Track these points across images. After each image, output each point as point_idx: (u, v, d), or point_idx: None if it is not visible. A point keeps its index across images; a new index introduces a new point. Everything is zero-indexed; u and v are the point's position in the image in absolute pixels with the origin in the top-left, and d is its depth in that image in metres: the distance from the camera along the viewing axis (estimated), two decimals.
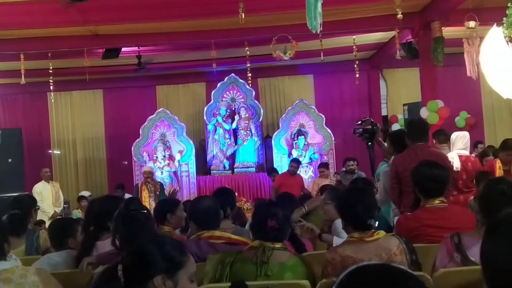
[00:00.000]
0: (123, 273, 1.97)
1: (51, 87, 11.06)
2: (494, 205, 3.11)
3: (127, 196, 11.27)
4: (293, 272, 2.96)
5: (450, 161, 5.46)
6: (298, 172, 11.32)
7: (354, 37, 11.14)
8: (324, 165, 11.63)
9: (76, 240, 4.05)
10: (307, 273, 3.02)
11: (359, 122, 6.72)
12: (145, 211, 3.43)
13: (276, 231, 3.05)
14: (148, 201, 10.57)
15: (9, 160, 12.04)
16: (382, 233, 3.11)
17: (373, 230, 3.09)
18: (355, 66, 11.57)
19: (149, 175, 11.27)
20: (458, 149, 6.74)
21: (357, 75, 11.67)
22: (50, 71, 10.66)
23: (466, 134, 7.00)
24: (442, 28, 9.84)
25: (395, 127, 13.45)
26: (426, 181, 3.87)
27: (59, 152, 14.81)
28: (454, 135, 6.95)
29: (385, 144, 6.45)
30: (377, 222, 3.21)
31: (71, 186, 14.59)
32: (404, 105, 12.64)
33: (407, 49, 11.08)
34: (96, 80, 13.12)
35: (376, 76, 14.88)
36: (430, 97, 10.67)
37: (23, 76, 10.17)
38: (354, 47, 11.09)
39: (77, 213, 11.44)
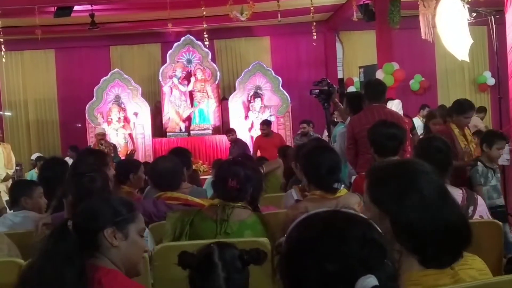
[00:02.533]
0: (73, 229, 1.98)
1: (2, 47, 10.71)
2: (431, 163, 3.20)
3: None
4: (252, 230, 2.98)
5: (406, 122, 5.52)
6: (272, 131, 11.46)
7: None
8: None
9: (32, 200, 3.98)
10: (266, 231, 3.04)
11: (316, 83, 6.74)
12: (92, 174, 3.35)
13: (237, 191, 3.04)
14: None
15: None
16: (344, 191, 3.15)
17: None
18: (312, 28, 11.52)
19: (102, 136, 11.13)
20: None
21: (314, 37, 11.62)
22: (0, 29, 10.30)
23: (399, 102, 7.79)
24: None
25: (351, 89, 13.57)
26: (382, 139, 3.92)
27: (10, 114, 14.42)
28: (389, 103, 7.24)
29: (341, 105, 6.51)
30: (342, 186, 3.24)
31: (23, 148, 14.27)
32: (360, 67, 12.73)
33: (364, 11, 11.10)
34: (48, 40, 12.69)
35: (332, 39, 14.90)
36: (386, 59, 10.78)
37: None
38: (312, 8, 11.01)
39: (33, 173, 11.21)
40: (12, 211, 4.05)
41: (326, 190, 3.13)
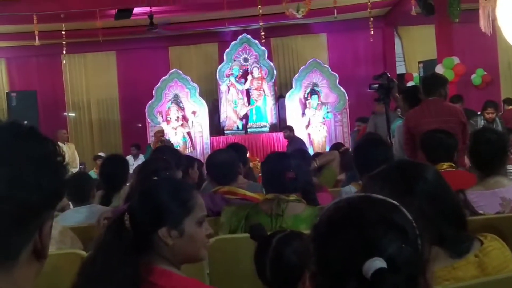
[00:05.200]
0: (130, 222, 1.90)
1: (64, 49, 11.07)
2: (481, 155, 3.13)
3: (141, 157, 11.41)
4: (307, 224, 2.95)
5: (464, 116, 5.40)
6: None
7: None
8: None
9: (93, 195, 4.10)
10: None
11: (376, 77, 6.67)
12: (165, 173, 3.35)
13: (295, 181, 3.04)
14: None
15: (25, 122, 12.03)
16: None
17: None
18: (370, 23, 11.39)
19: (162, 134, 11.29)
20: None
21: (372, 33, 11.48)
22: (63, 32, 10.65)
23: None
24: None
25: (411, 85, 13.33)
26: (432, 146, 3.86)
27: (74, 114, 14.89)
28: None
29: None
30: None
31: (86, 147, 14.68)
32: (419, 62, 12.50)
33: (423, 5, 10.88)
34: (109, 42, 13.09)
35: (391, 34, 14.68)
36: (446, 54, 10.56)
37: (37, 38, 10.19)
38: (369, 3, 10.90)
39: (93, 173, 11.54)
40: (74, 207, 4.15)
41: None
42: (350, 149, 7.39)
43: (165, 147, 6.39)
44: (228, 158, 3.86)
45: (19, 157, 1.05)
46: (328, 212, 1.20)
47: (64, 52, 11.22)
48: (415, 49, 14.57)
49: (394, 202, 1.18)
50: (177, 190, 2.04)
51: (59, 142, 11.00)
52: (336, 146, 7.09)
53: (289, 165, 3.07)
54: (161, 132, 11.33)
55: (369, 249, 1.08)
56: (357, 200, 1.21)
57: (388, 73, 6.64)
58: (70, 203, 4.51)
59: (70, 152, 11.34)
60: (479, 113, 8.64)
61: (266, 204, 3.08)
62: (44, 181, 1.06)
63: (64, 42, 10.83)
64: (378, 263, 1.04)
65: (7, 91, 13.56)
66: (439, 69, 10.37)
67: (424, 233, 1.15)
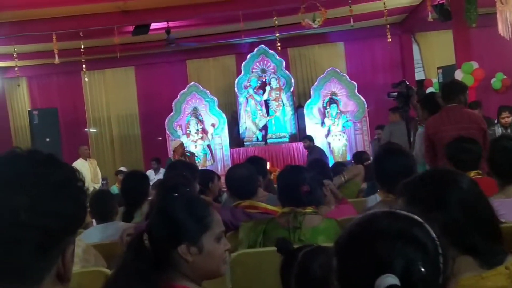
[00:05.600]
0: (150, 241, 1.92)
1: (84, 66, 11.20)
2: (499, 163, 3.10)
3: (162, 171, 11.44)
4: (326, 236, 2.96)
5: (484, 122, 5.36)
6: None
7: (384, 1, 10.94)
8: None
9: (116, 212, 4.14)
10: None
11: (394, 85, 6.67)
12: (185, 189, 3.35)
13: (310, 194, 3.05)
14: None
15: (47, 139, 12.30)
16: None
17: None
18: (387, 31, 11.35)
19: (183, 147, 11.25)
20: None
21: (389, 40, 11.42)
22: (82, 50, 10.79)
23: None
24: None
25: (430, 91, 13.24)
26: (458, 154, 3.83)
27: (95, 130, 15.04)
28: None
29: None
30: None
31: (108, 163, 14.80)
32: (438, 68, 12.41)
33: (439, 10, 10.83)
34: (128, 57, 13.23)
35: (408, 40, 14.63)
36: (465, 59, 10.48)
37: (56, 56, 10.32)
38: (385, 11, 10.87)
39: (115, 188, 11.63)
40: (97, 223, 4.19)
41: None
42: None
43: (179, 162, 6.41)
44: (247, 173, 3.87)
45: (38, 184, 1.07)
46: (351, 226, 1.20)
47: (84, 69, 11.35)
48: (433, 54, 14.50)
49: (418, 218, 1.16)
50: (192, 207, 2.05)
51: (81, 159, 11.22)
52: (358, 155, 7.06)
53: (303, 178, 3.07)
54: (182, 146, 11.25)
55: (383, 265, 1.06)
56: (379, 215, 1.20)
57: (406, 81, 6.65)
58: (93, 220, 4.56)
59: (92, 168, 11.47)
60: (496, 121, 8.54)
61: (283, 217, 3.08)
62: (64, 208, 1.08)
63: (83, 60, 10.95)
64: (390, 279, 1.03)
65: (29, 109, 13.77)
66: (458, 74, 10.29)
67: (448, 251, 1.13)
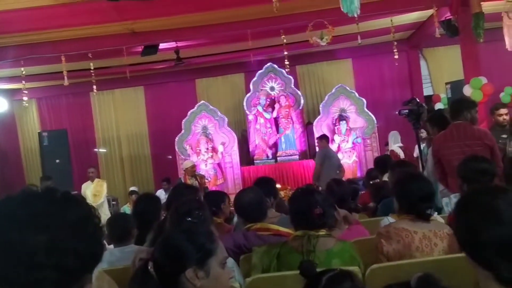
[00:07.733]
0: (155, 269, 1.97)
1: (94, 87, 11.26)
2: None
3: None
4: (340, 258, 2.96)
5: (491, 138, 5.33)
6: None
7: (391, 18, 10.98)
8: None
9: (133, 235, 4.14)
10: (354, 258, 3.03)
11: (405, 103, 6.70)
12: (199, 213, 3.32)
13: (323, 217, 3.05)
14: None
15: (57, 161, 12.35)
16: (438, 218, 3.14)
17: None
18: (394, 47, 11.38)
19: (195, 168, 11.21)
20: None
21: (396, 56, 11.44)
22: (92, 71, 10.85)
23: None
24: (481, 2, 9.61)
25: (438, 106, 13.22)
26: (473, 175, 3.81)
27: (105, 150, 15.08)
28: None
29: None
30: (435, 213, 3.24)
31: (118, 183, 14.84)
32: (446, 83, 12.40)
33: (446, 26, 10.84)
34: (137, 77, 13.31)
35: (416, 56, 14.65)
36: (473, 74, 10.43)
37: (65, 77, 10.38)
38: (392, 28, 10.91)
39: (126, 208, 11.62)
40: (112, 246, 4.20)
41: (418, 215, 3.14)
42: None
43: (182, 185, 6.37)
44: (255, 197, 3.87)
45: (55, 223, 1.08)
46: None
47: (95, 89, 11.40)
48: (441, 70, 14.49)
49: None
50: (193, 235, 2.10)
51: (89, 181, 11.15)
52: (382, 162, 6.93)
53: (315, 201, 3.07)
54: (193, 167, 11.12)
55: None
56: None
57: (417, 99, 6.66)
58: (105, 242, 4.56)
59: (98, 188, 11.33)
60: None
61: (296, 241, 3.08)
62: (81, 246, 1.09)
63: (93, 80, 11.01)
64: None
65: (39, 131, 13.84)
66: (467, 89, 10.26)
67: None
